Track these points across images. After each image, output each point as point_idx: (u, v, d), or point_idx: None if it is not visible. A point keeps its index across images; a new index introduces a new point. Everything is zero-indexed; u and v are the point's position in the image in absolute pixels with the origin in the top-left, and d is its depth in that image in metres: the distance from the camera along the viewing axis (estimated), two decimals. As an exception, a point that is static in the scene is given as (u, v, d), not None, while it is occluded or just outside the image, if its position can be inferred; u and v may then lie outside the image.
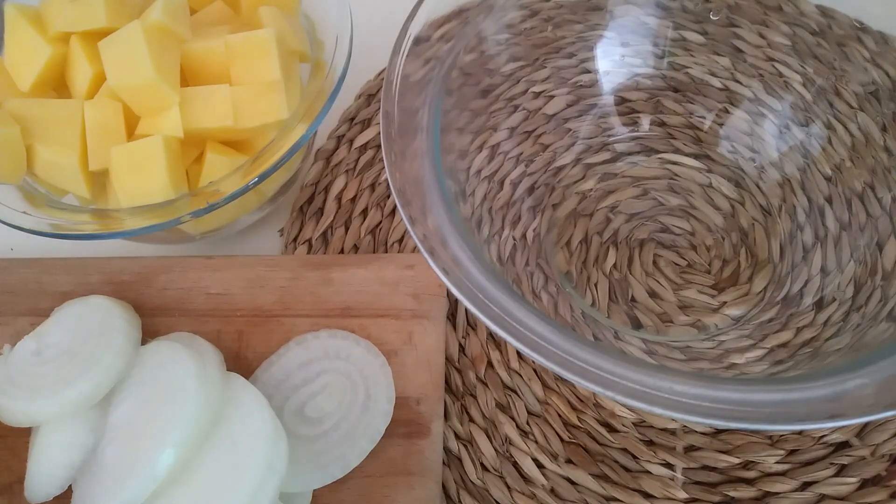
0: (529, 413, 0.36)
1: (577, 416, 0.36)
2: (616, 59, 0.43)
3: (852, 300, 0.34)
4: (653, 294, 0.39)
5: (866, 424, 0.35)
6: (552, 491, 0.34)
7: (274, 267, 0.39)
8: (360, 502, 0.33)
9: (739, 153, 0.42)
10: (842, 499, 0.33)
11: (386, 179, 0.44)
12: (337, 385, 0.35)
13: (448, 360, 0.38)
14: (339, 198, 0.44)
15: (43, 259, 0.40)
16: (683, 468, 0.34)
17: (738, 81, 0.42)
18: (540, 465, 0.35)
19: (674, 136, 0.43)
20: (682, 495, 0.34)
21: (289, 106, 0.37)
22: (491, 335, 0.38)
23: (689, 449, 0.35)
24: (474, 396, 0.37)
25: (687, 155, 0.43)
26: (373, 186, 0.44)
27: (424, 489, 0.33)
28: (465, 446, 0.36)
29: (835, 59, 0.38)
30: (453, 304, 0.39)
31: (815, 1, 0.39)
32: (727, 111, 0.42)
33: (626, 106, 0.44)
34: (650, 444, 0.35)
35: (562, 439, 0.36)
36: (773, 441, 0.35)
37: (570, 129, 0.43)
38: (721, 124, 0.42)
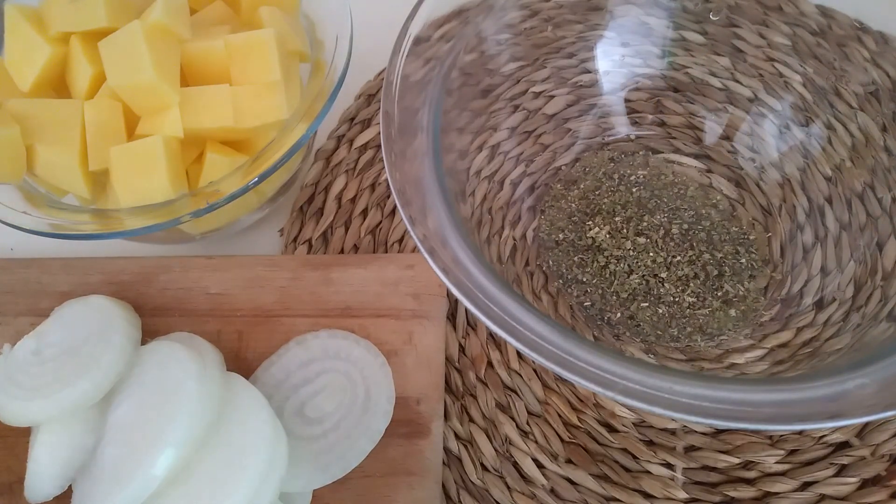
0: (529, 413, 0.36)
1: (577, 416, 0.36)
2: (616, 59, 0.43)
3: (852, 300, 0.34)
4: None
5: (866, 424, 0.35)
6: (552, 491, 0.34)
7: (274, 267, 0.39)
8: (360, 502, 0.33)
9: (739, 153, 0.42)
10: (842, 499, 0.33)
11: (386, 179, 0.44)
12: (337, 385, 0.35)
13: (448, 360, 0.38)
14: (339, 198, 0.44)
15: (43, 259, 0.40)
16: (683, 468, 0.34)
17: (738, 81, 0.42)
18: (540, 465, 0.35)
19: (674, 136, 0.43)
20: (682, 495, 0.34)
21: (289, 106, 0.37)
22: (491, 335, 0.38)
23: (690, 449, 0.35)
24: (474, 396, 0.37)
25: (687, 155, 0.43)
26: (373, 186, 0.44)
27: (424, 489, 0.33)
28: (465, 446, 0.36)
29: (835, 59, 0.38)
30: (453, 304, 0.39)
31: (816, 1, 0.39)
32: (727, 111, 0.42)
33: (626, 106, 0.44)
34: (650, 444, 0.35)
35: (562, 439, 0.36)
36: (773, 441, 0.35)
37: (570, 129, 0.43)
38: (721, 124, 0.42)
